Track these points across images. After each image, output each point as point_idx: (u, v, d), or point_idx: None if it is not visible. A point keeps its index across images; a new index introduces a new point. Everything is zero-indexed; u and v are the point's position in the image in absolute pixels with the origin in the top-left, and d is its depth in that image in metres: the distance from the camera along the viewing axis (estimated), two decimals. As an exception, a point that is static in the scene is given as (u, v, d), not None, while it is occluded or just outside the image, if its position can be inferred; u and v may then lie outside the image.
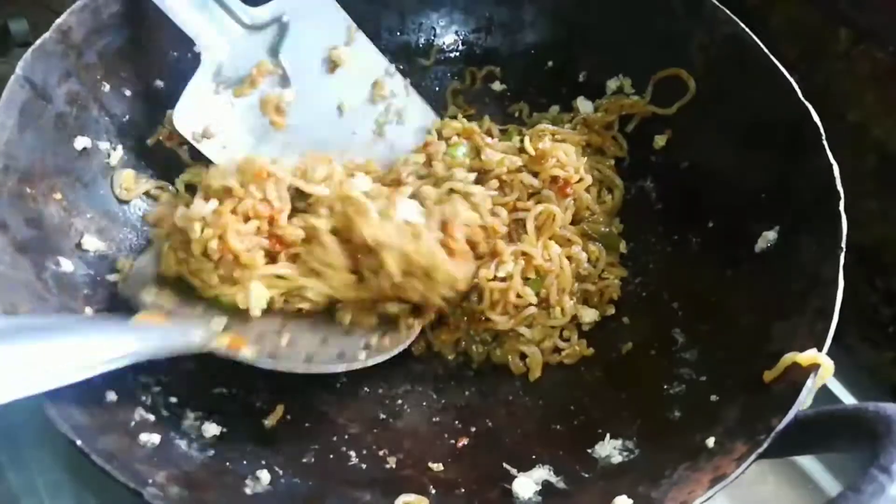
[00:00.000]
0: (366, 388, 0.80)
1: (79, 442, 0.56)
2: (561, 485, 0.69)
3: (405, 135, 0.92)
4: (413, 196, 0.80)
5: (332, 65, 0.86)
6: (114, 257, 0.78)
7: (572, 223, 0.87)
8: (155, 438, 0.63)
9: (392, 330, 0.77)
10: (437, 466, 0.72)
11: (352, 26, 0.87)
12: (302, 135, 0.85)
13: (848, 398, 0.90)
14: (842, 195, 0.70)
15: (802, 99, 0.76)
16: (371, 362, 0.74)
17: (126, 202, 0.82)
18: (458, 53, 1.02)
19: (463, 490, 0.69)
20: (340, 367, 0.73)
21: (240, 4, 0.80)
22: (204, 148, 0.80)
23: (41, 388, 0.55)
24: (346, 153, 0.86)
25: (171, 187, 0.85)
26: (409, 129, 0.92)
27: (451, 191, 0.81)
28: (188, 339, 0.68)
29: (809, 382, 0.61)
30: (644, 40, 0.91)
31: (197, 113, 0.79)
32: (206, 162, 0.81)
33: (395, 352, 0.76)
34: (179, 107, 0.78)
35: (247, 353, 0.70)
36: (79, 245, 0.75)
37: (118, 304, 0.74)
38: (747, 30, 0.82)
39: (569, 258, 0.84)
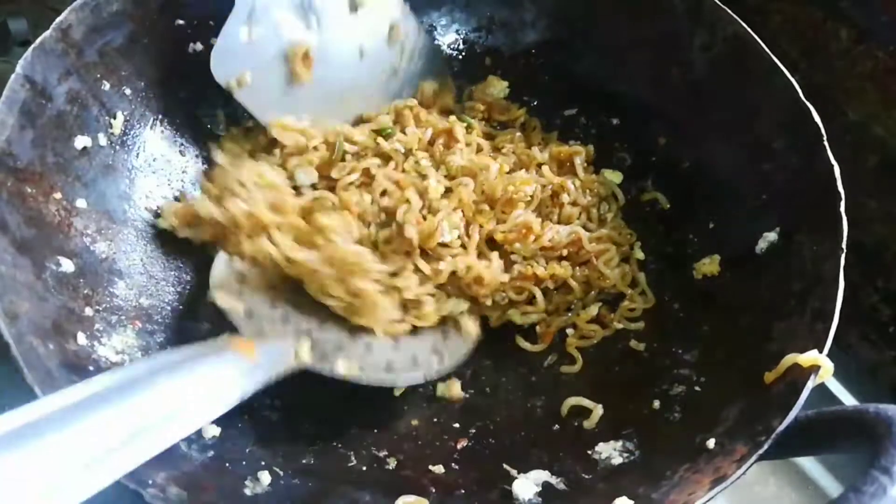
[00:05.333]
0: (365, 389, 0.79)
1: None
2: (561, 486, 0.68)
3: (416, 74, 0.94)
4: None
5: (353, 4, 0.88)
6: (114, 258, 0.78)
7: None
8: (155, 438, 0.63)
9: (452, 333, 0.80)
10: (436, 468, 0.72)
11: None
12: (326, 82, 0.87)
13: (848, 399, 0.90)
14: (842, 196, 0.70)
15: (803, 99, 0.76)
16: (444, 370, 0.77)
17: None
18: (458, 52, 1.02)
19: (463, 491, 0.69)
20: (418, 377, 0.75)
21: None
22: (240, 97, 0.82)
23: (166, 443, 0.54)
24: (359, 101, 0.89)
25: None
26: (420, 68, 0.95)
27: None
28: (284, 365, 0.68)
29: (810, 384, 0.61)
30: (645, 40, 0.91)
31: (231, 60, 0.81)
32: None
33: (462, 359, 0.79)
34: (215, 53, 0.80)
35: (340, 368, 0.71)
36: (79, 244, 0.75)
37: (118, 304, 0.75)
38: (749, 29, 0.82)
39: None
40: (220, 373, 0.62)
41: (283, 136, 0.85)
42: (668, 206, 0.89)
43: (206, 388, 0.59)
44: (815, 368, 0.62)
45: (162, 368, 0.58)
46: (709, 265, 0.81)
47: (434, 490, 0.69)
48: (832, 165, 0.71)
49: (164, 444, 0.54)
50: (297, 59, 0.84)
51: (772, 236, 0.75)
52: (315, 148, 0.85)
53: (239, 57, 0.81)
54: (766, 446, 0.59)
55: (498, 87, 0.98)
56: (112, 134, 0.81)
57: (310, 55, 0.85)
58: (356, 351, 0.74)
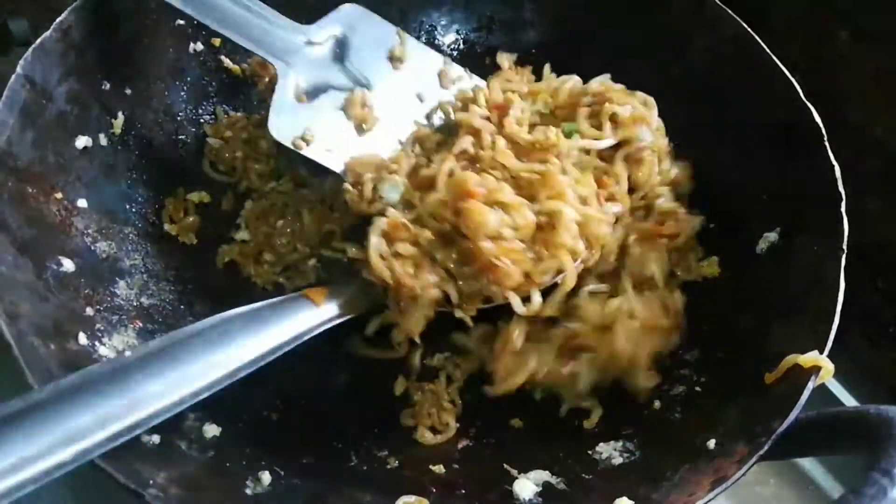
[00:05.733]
0: (366, 389, 0.80)
1: (79, 443, 0.56)
2: (561, 486, 0.68)
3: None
4: None
5: (396, 62, 0.89)
6: (115, 257, 0.78)
7: None
8: (155, 439, 0.63)
9: None
10: (437, 468, 0.72)
11: (400, 31, 0.90)
12: (391, 126, 0.87)
13: (849, 400, 0.90)
14: (843, 196, 0.70)
15: (804, 99, 0.76)
16: None
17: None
18: (459, 52, 1.02)
19: (463, 491, 0.69)
20: None
21: (298, 25, 0.83)
22: (309, 153, 0.82)
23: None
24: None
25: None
26: None
27: None
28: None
29: (810, 384, 0.61)
30: (645, 40, 0.91)
31: (289, 123, 0.82)
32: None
33: None
34: (272, 120, 0.80)
35: None
36: (80, 244, 0.75)
37: (119, 304, 0.75)
38: (749, 30, 0.82)
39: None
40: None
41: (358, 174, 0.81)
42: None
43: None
44: (815, 369, 0.62)
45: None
46: (707, 267, 0.81)
47: (434, 490, 0.69)
48: (833, 166, 0.71)
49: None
50: (356, 107, 0.85)
51: (772, 237, 0.75)
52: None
53: (299, 118, 0.82)
54: (766, 447, 0.59)
55: None
56: (113, 134, 0.81)
57: (367, 103, 0.85)
58: None
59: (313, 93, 0.84)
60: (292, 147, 0.81)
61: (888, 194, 0.90)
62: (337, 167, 0.82)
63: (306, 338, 0.69)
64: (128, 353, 0.59)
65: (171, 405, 0.57)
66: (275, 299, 0.71)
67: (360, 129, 0.85)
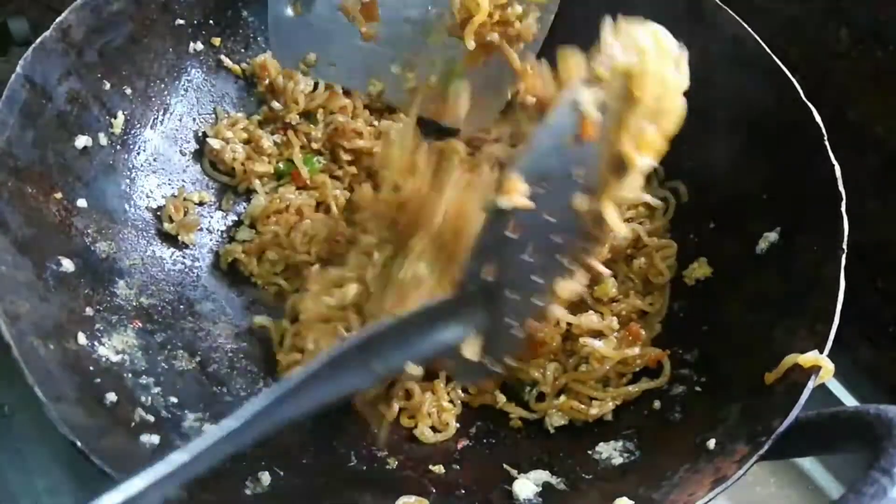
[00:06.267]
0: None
1: (79, 443, 0.56)
2: (561, 486, 0.69)
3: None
4: None
5: None
6: (114, 257, 0.78)
7: None
8: (155, 439, 0.63)
9: None
10: (437, 468, 0.72)
11: None
12: (397, 28, 0.83)
13: (849, 399, 0.90)
14: (843, 196, 0.70)
15: (804, 99, 0.76)
16: None
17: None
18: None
19: (463, 491, 0.69)
20: None
21: None
22: (313, 75, 0.80)
23: None
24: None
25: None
26: None
27: None
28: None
29: (810, 384, 0.61)
30: (645, 40, 0.90)
31: (290, 42, 0.80)
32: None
33: None
34: (273, 44, 0.79)
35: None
36: (79, 244, 0.75)
37: (119, 304, 0.75)
38: (749, 30, 0.82)
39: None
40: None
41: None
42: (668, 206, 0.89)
43: None
44: (815, 369, 0.62)
45: None
46: (699, 269, 0.81)
47: (434, 490, 0.69)
48: (833, 165, 0.71)
49: None
50: (355, 13, 0.81)
51: (772, 236, 0.75)
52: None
53: (299, 35, 0.79)
54: (766, 447, 0.59)
55: None
56: (113, 134, 0.81)
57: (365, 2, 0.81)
58: None
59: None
60: (300, 73, 0.78)
61: (888, 194, 0.90)
62: (350, 84, 0.79)
63: None
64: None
65: None
66: None
67: (365, 39, 0.82)
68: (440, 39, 0.77)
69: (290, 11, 0.79)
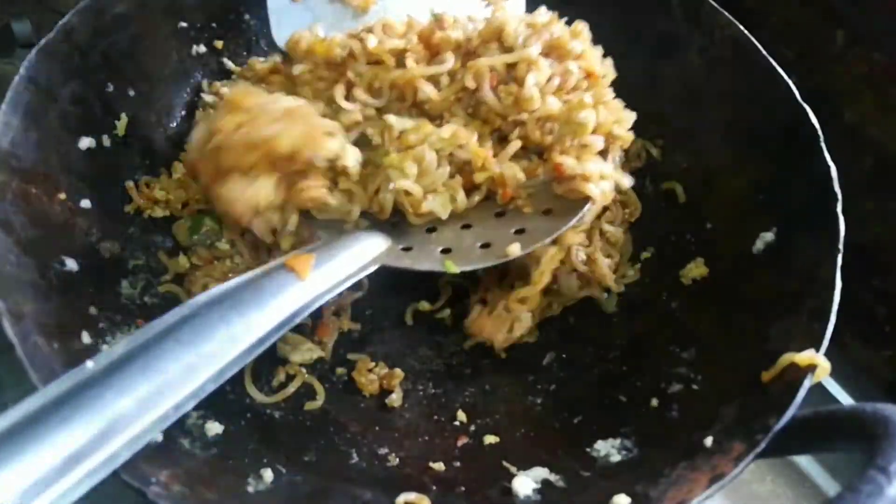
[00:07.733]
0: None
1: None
2: (560, 483, 0.69)
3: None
4: None
5: None
6: (118, 257, 0.78)
7: None
8: (158, 437, 0.63)
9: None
10: (437, 465, 0.72)
11: None
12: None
13: (845, 398, 0.91)
14: (839, 196, 0.70)
15: (800, 100, 0.76)
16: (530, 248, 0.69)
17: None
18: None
19: (463, 488, 0.69)
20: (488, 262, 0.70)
21: None
22: None
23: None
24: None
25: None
26: None
27: None
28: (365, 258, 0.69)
29: (807, 383, 0.61)
30: (643, 42, 0.91)
31: (289, 27, 0.80)
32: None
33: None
34: (273, 26, 0.79)
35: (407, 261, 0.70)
36: (83, 244, 0.75)
37: (122, 304, 0.75)
38: (746, 32, 0.82)
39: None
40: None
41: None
42: (666, 206, 0.90)
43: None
44: (812, 367, 0.62)
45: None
46: (695, 269, 0.82)
47: (435, 487, 0.69)
48: (829, 166, 0.72)
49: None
50: None
51: (769, 236, 0.76)
52: None
53: (299, 21, 0.80)
54: (763, 445, 0.59)
55: None
56: (116, 135, 0.82)
57: None
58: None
59: None
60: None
61: (883, 194, 0.91)
62: None
63: (296, 321, 0.63)
64: (90, 364, 0.53)
65: (145, 430, 0.53)
66: (254, 273, 0.64)
67: (358, 14, 0.83)
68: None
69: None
